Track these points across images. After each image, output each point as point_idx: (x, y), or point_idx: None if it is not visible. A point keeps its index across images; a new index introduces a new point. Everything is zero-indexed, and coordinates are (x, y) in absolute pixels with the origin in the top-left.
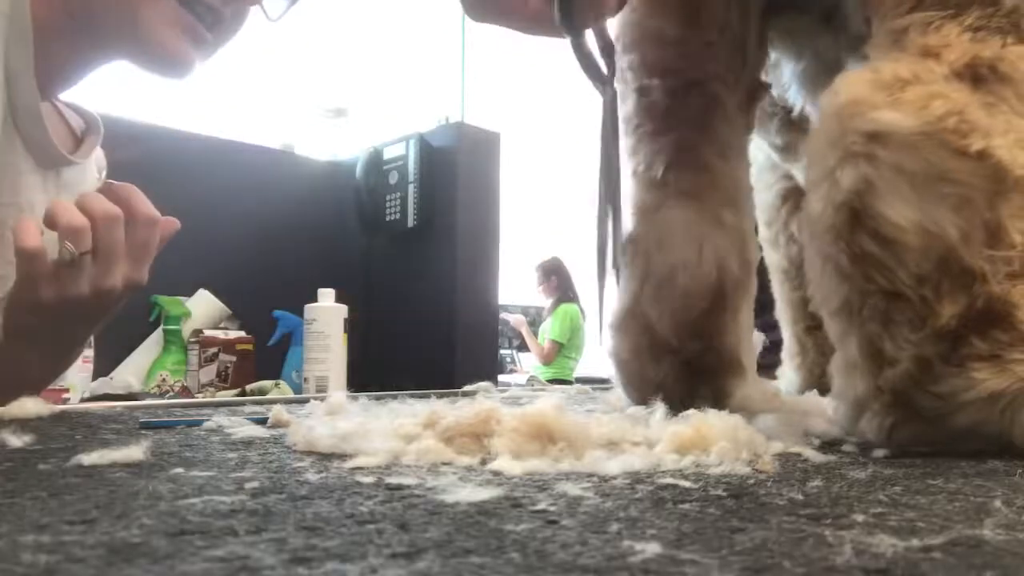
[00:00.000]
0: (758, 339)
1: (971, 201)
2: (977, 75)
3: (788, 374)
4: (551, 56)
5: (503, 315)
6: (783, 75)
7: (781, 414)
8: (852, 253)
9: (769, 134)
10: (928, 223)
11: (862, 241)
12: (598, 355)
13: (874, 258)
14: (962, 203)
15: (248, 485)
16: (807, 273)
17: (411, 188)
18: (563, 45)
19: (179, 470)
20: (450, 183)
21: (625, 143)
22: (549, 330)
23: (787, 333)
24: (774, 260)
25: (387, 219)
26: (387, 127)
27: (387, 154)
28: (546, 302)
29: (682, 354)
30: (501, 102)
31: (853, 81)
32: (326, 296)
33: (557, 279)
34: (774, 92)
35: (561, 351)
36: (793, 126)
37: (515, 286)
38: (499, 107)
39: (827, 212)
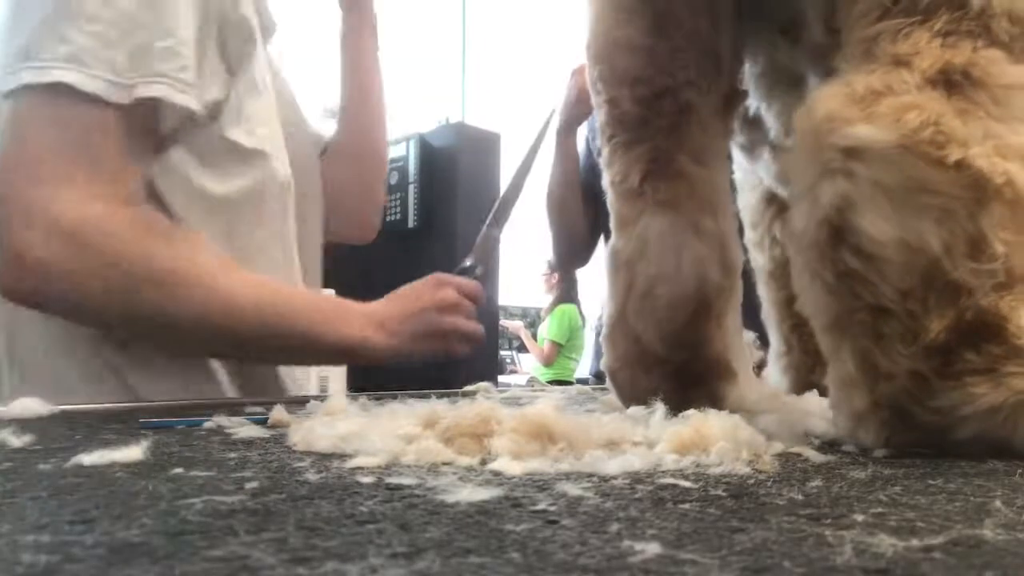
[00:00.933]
0: (748, 337)
1: (952, 213)
2: (950, 82)
3: (775, 376)
4: (551, 56)
5: (502, 322)
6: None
7: (781, 414)
8: (836, 269)
9: (735, 132)
10: (909, 237)
11: (845, 257)
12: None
13: (858, 274)
14: (943, 215)
15: (248, 485)
16: (795, 287)
17: (411, 188)
18: (563, 47)
19: (179, 470)
20: (450, 183)
21: (602, 154)
22: (547, 331)
23: (774, 334)
24: (760, 262)
25: (387, 219)
26: (387, 127)
27: (387, 154)
28: (545, 299)
29: (670, 364)
30: (501, 102)
31: (827, 96)
32: None
33: (560, 276)
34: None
35: (561, 352)
36: (753, 125)
37: (515, 287)
38: (499, 107)
39: (809, 229)
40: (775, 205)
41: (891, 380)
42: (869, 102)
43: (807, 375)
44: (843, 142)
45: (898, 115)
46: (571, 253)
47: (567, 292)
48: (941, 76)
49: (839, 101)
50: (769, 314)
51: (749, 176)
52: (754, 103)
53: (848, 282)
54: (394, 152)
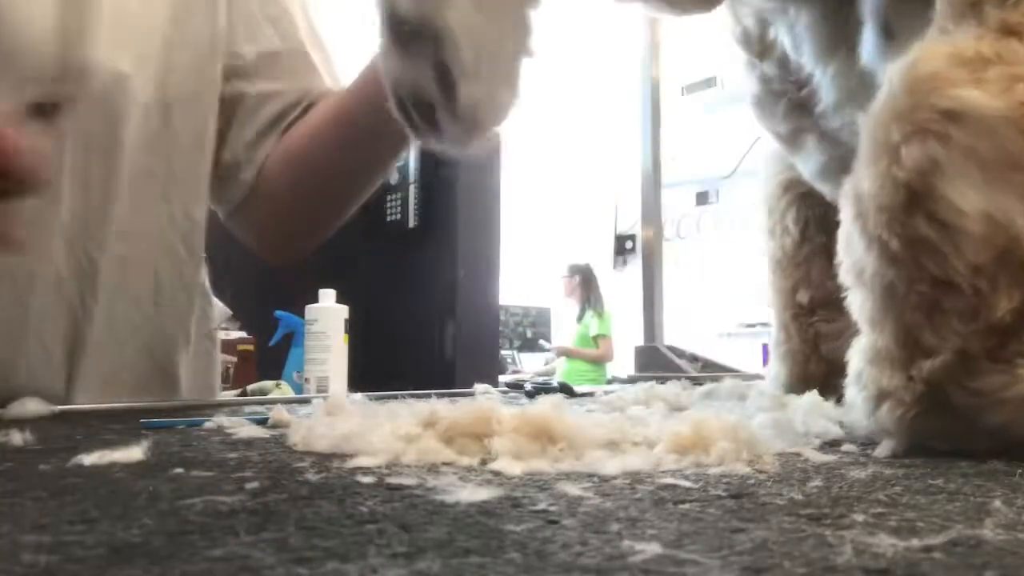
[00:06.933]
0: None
1: None
2: None
3: (774, 363)
4: (551, 56)
5: (549, 356)
6: (796, 27)
7: (781, 414)
8: (906, 236)
9: (775, 120)
10: (994, 211)
11: (918, 224)
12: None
13: (929, 243)
14: None
15: (248, 485)
16: (840, 253)
17: (412, 188)
18: (563, 48)
19: (179, 470)
20: (450, 183)
21: None
22: (595, 328)
23: (775, 322)
24: (770, 249)
25: (388, 219)
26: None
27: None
28: (565, 300)
29: None
30: None
31: (931, 55)
32: (327, 297)
33: (581, 279)
34: (792, 56)
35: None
36: (801, 110)
37: (515, 286)
38: None
39: (883, 190)
40: (790, 194)
41: (933, 356)
42: (977, 67)
43: (804, 364)
44: (945, 103)
45: (1007, 85)
46: None
47: (588, 298)
48: None
49: (946, 61)
50: (773, 302)
51: (770, 163)
52: (808, 65)
53: (916, 250)
54: None
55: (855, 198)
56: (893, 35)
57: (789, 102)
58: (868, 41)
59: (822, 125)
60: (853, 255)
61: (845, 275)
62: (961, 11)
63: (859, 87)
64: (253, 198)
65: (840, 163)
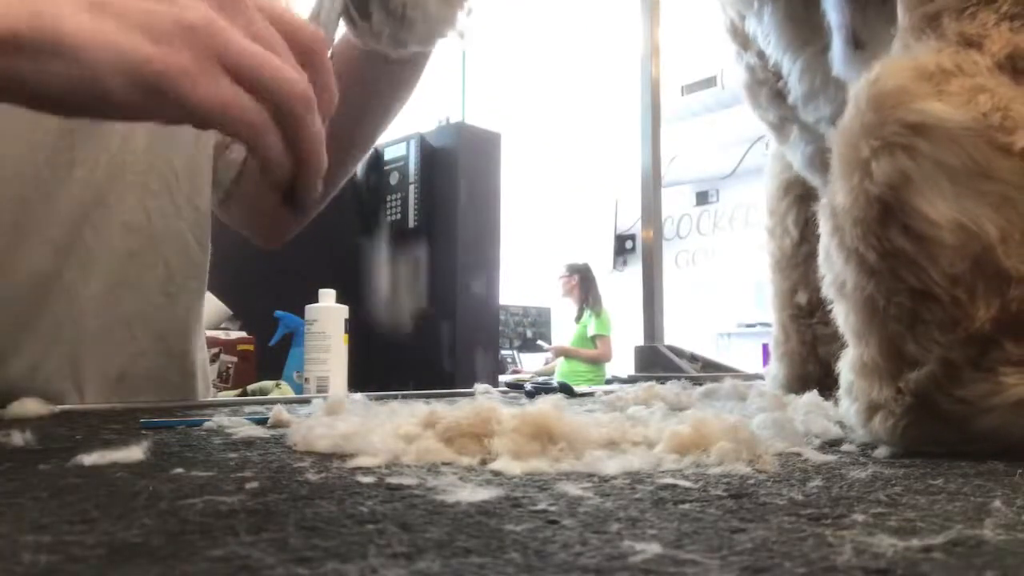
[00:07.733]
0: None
1: (1012, 201)
2: (1017, 68)
3: (773, 364)
4: (551, 56)
5: (547, 356)
6: (764, 18)
7: (781, 414)
8: (882, 248)
9: (760, 108)
10: (966, 221)
11: (893, 236)
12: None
13: (905, 255)
14: (1002, 202)
15: (248, 485)
16: (821, 267)
17: (411, 188)
18: (563, 48)
19: (179, 470)
20: (450, 183)
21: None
22: (594, 327)
23: (775, 322)
24: (771, 249)
25: (387, 219)
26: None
27: (387, 154)
28: (563, 300)
29: None
30: (501, 102)
31: (895, 70)
32: (327, 296)
33: (579, 279)
34: (762, 47)
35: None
36: (782, 99)
37: (515, 286)
38: (499, 107)
39: (857, 204)
40: (791, 195)
41: (918, 367)
42: (939, 80)
43: (802, 365)
44: (911, 117)
45: (969, 96)
46: None
47: (587, 297)
48: (1009, 61)
49: (908, 75)
50: (773, 302)
51: (774, 163)
52: (775, 56)
53: (892, 263)
54: (394, 152)
55: (831, 212)
56: (862, 45)
57: (770, 90)
58: (837, 51)
59: (799, 116)
60: (833, 269)
61: (828, 288)
62: (921, 25)
63: (827, 82)
64: (243, 179)
65: (823, 155)
